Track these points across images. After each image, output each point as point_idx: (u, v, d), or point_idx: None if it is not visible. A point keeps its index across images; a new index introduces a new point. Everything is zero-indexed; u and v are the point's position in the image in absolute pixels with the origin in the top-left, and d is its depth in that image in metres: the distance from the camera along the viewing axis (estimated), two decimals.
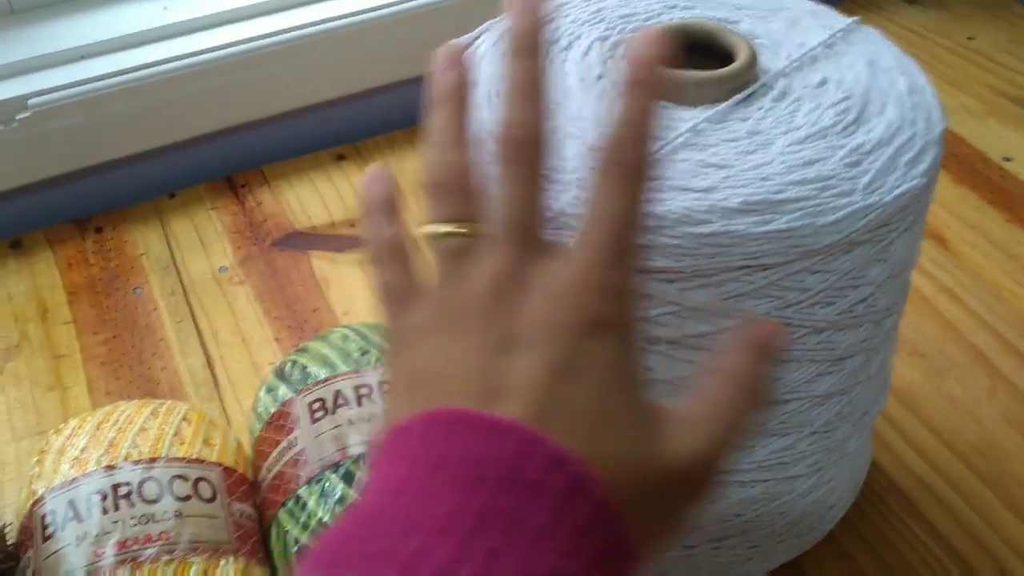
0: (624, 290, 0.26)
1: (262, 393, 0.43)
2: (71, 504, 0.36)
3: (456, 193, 0.27)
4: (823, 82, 0.34)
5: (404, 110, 0.68)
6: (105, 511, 0.36)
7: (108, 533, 0.35)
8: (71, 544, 0.35)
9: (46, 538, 0.36)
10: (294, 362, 0.42)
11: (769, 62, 0.35)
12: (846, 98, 0.34)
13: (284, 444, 0.39)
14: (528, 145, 0.27)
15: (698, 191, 0.30)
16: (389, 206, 0.29)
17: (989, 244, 0.58)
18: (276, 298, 0.57)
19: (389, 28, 0.65)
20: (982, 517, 0.46)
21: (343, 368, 0.41)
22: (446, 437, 0.23)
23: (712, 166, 0.31)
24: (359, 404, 0.39)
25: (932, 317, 0.54)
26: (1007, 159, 0.64)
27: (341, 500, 0.36)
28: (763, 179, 0.30)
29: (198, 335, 0.55)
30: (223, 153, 0.66)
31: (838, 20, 0.38)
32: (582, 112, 0.33)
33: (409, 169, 0.66)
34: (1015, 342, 0.53)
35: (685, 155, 0.31)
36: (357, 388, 0.40)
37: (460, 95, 0.28)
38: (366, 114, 0.68)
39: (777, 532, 0.40)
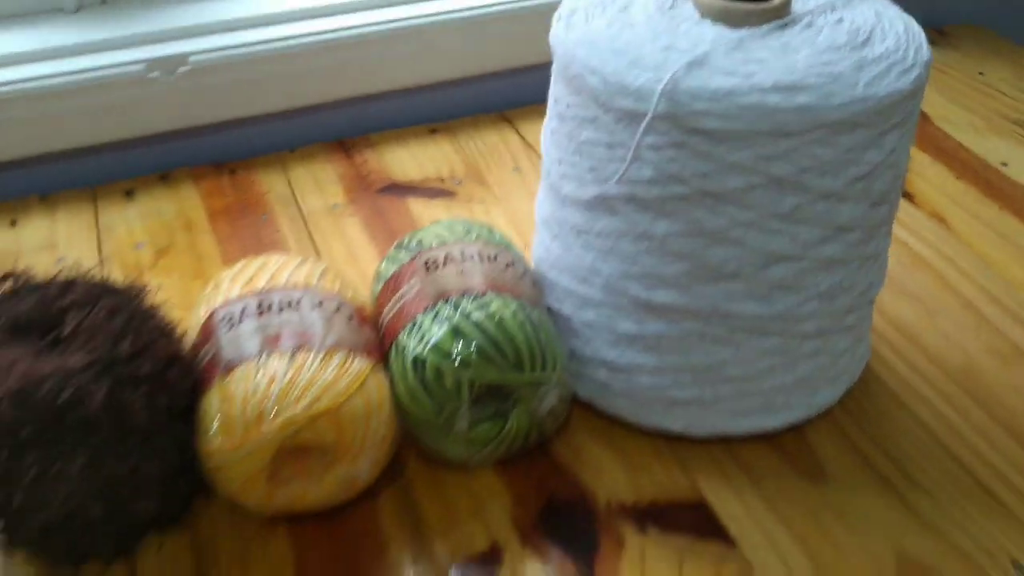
0: None
1: (383, 263, 0.53)
2: (243, 310, 0.47)
3: None
4: (840, 20, 0.46)
5: (490, 97, 0.81)
6: (270, 313, 0.47)
7: (270, 330, 0.46)
8: (240, 339, 0.46)
9: (219, 336, 0.47)
10: (412, 236, 0.53)
11: (801, 7, 0.47)
12: (858, 29, 0.45)
13: (404, 290, 0.50)
14: None
15: (742, 75, 0.41)
16: None
17: (983, 226, 0.69)
18: (379, 229, 0.68)
19: (484, 25, 0.78)
20: (965, 420, 0.55)
21: (451, 240, 0.52)
22: None
23: (753, 61, 0.42)
24: (463, 262, 0.50)
25: (931, 274, 0.64)
26: (1004, 164, 0.75)
27: (448, 320, 0.47)
28: (789, 71, 0.41)
29: (315, 250, 0.66)
30: (338, 120, 0.78)
31: None
32: (655, 29, 0.45)
33: (491, 143, 0.77)
34: (998, 295, 0.62)
35: (733, 55, 0.43)
36: (462, 252, 0.50)
37: None
38: (458, 97, 0.81)
39: (787, 387, 0.49)
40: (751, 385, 0.49)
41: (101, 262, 0.65)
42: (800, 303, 0.46)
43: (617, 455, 0.52)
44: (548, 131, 0.50)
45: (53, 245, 0.67)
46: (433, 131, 0.79)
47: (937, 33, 0.95)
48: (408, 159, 0.76)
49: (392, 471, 0.50)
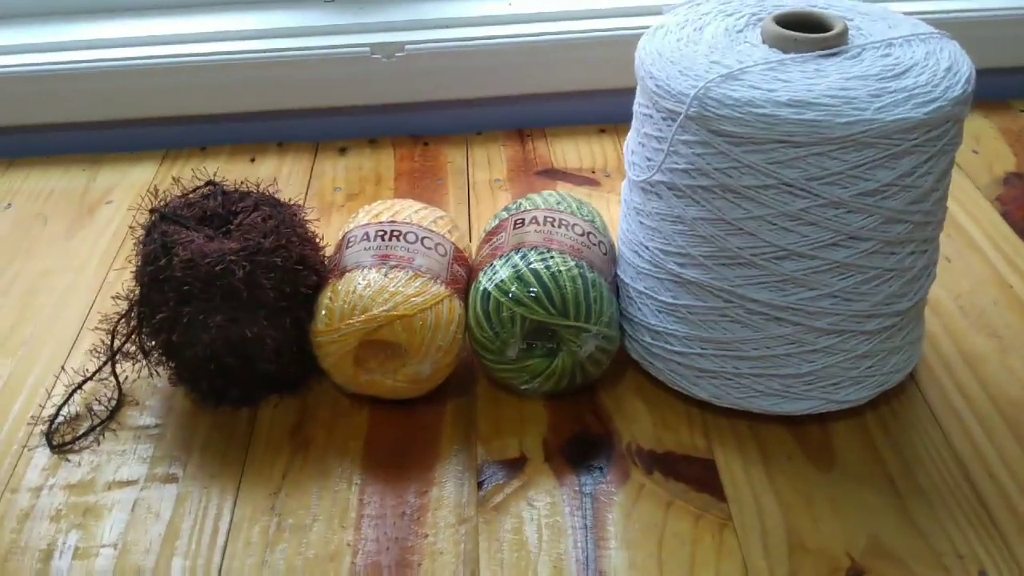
0: None
1: (491, 221, 0.65)
2: (365, 234, 0.60)
3: None
4: (887, 55, 0.51)
5: None
6: (383, 239, 0.59)
7: (381, 249, 0.59)
8: (360, 251, 0.59)
9: (344, 250, 0.60)
10: (517, 201, 0.64)
11: (859, 41, 0.53)
12: (897, 64, 0.50)
13: (495, 240, 0.61)
14: None
15: (764, 89, 0.49)
16: None
17: None
18: None
19: None
20: (995, 446, 0.57)
21: (542, 207, 0.62)
22: None
23: (780, 80, 0.49)
24: (543, 224, 0.60)
25: (1019, 311, 0.66)
26: None
27: (514, 266, 0.57)
28: (808, 90, 0.48)
29: (468, 211, 0.79)
30: (521, 112, 0.90)
31: (925, 28, 0.54)
32: (713, 47, 0.53)
33: None
34: None
35: (766, 75, 0.50)
36: (546, 217, 0.61)
37: None
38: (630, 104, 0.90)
39: (803, 378, 0.55)
40: (769, 368, 0.55)
41: (305, 196, 0.81)
42: (813, 298, 0.52)
43: (652, 411, 0.60)
44: (631, 128, 0.59)
45: (276, 179, 0.84)
46: (601, 131, 0.89)
47: None
48: (572, 151, 0.87)
49: (463, 387, 0.61)
